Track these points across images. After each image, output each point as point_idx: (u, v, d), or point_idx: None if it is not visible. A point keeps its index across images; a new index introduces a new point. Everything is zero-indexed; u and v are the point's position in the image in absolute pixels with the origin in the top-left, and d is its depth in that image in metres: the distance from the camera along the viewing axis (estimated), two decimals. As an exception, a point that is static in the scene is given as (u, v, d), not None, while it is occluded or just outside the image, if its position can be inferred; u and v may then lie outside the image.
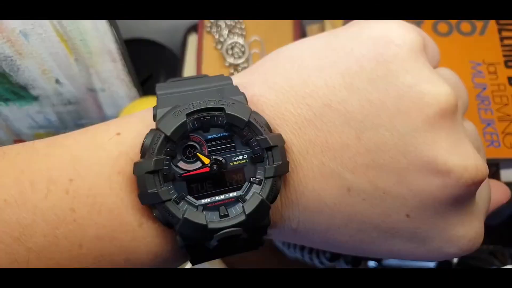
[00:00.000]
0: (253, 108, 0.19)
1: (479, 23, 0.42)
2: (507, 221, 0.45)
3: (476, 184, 0.18)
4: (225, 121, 0.19)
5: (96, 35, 0.39)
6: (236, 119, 0.19)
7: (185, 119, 0.18)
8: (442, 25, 0.42)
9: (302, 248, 0.52)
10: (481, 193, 0.21)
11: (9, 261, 0.16)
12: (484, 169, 0.18)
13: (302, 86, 0.20)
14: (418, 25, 0.42)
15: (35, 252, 0.16)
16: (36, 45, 0.38)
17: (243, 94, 0.20)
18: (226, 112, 0.19)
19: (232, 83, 0.21)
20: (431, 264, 0.50)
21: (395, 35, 0.19)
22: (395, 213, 0.19)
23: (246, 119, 0.18)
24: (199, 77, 0.22)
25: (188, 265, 0.54)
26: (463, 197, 0.19)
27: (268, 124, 0.19)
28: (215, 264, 0.60)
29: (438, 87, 0.18)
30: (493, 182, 0.24)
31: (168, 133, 0.18)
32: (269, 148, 0.18)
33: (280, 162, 0.18)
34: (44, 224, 0.17)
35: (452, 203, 0.19)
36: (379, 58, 0.19)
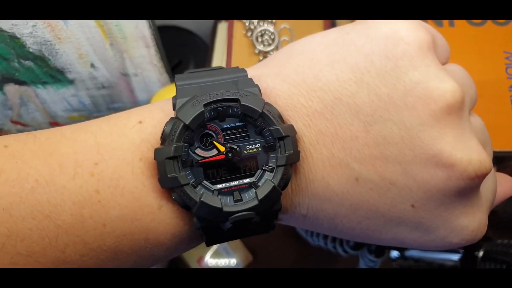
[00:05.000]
0: (267, 99, 0.20)
1: (514, 13, 0.41)
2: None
3: (480, 177, 0.19)
4: (240, 111, 0.20)
5: (131, 20, 0.40)
6: (250, 110, 0.20)
7: (203, 109, 0.19)
8: (476, 15, 0.41)
9: (326, 236, 0.53)
10: (486, 185, 0.22)
11: (40, 236, 0.17)
12: (488, 163, 0.19)
13: (314, 80, 0.20)
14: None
15: (63, 229, 0.18)
16: (74, 30, 0.40)
17: (257, 86, 0.21)
18: (241, 103, 0.20)
19: (247, 75, 0.21)
20: (455, 257, 0.49)
21: (405, 33, 0.20)
22: (400, 203, 0.19)
23: (260, 110, 0.19)
24: (216, 68, 0.23)
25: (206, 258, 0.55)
26: (466, 189, 0.19)
27: (280, 115, 0.20)
28: (239, 250, 0.61)
29: (445, 83, 0.19)
30: (500, 175, 0.25)
31: (187, 122, 0.19)
32: (281, 138, 0.19)
33: (292, 152, 0.19)
34: (71, 204, 0.18)
35: (456, 195, 0.19)
36: (389, 54, 0.20)
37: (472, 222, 0.20)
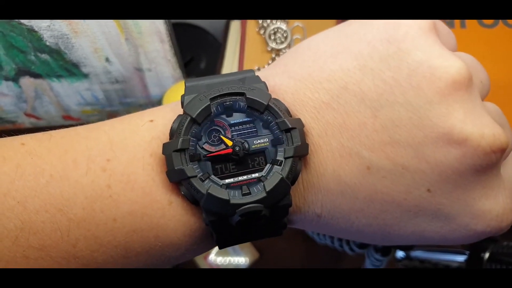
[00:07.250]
0: (275, 96, 0.21)
1: (526, 15, 0.41)
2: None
3: (496, 152, 0.18)
4: (246, 105, 0.20)
5: (147, 16, 0.41)
6: (256, 102, 0.20)
7: (209, 102, 0.20)
8: (487, 17, 0.42)
9: (332, 234, 0.53)
10: (509, 169, 0.21)
11: (53, 229, 0.18)
12: (503, 137, 0.18)
13: (319, 72, 0.20)
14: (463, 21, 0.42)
15: (75, 222, 0.18)
16: (91, 23, 0.40)
17: (264, 82, 0.21)
18: (247, 96, 0.20)
19: (254, 74, 0.22)
20: (461, 258, 0.49)
21: (405, 20, 0.20)
22: (415, 189, 0.19)
23: (265, 103, 0.20)
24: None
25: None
26: (483, 167, 0.18)
27: (288, 110, 0.20)
28: (246, 248, 0.61)
29: (449, 61, 0.19)
30: None
31: (194, 115, 0.19)
32: (288, 130, 0.20)
33: (299, 143, 0.19)
34: (83, 198, 0.18)
35: (472, 174, 0.18)
36: (390, 38, 0.20)
37: (495, 205, 0.19)
